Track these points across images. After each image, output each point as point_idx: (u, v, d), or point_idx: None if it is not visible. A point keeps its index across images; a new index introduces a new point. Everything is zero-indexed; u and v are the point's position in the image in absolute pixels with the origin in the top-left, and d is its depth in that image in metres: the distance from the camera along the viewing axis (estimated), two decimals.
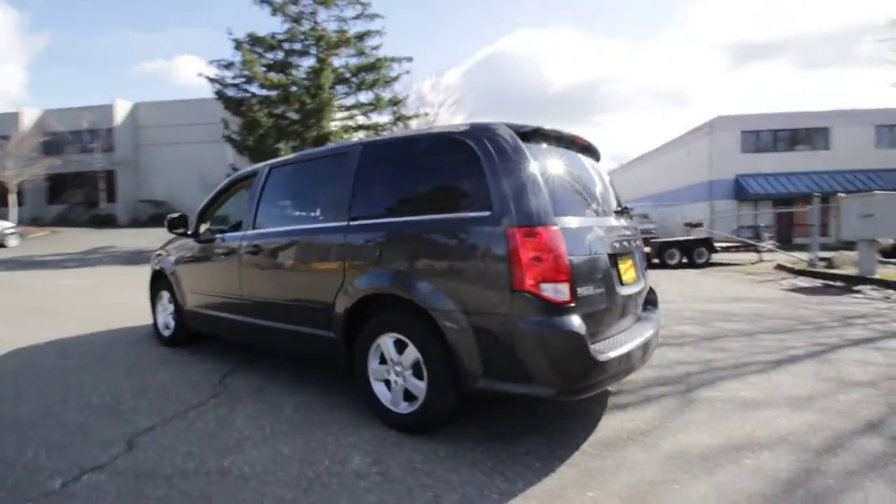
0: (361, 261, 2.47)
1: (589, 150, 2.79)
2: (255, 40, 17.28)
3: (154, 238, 19.75)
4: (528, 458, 2.11)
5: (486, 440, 2.28)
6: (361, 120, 18.79)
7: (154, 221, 26.40)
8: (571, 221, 2.15)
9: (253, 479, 1.96)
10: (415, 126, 19.63)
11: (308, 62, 17.62)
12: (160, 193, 27.71)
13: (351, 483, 1.92)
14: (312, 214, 3.04)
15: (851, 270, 8.49)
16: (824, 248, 10.92)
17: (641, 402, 2.75)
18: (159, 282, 4.30)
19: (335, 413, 2.63)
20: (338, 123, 18.11)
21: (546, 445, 2.22)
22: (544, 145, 2.35)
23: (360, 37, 17.73)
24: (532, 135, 2.28)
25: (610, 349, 2.09)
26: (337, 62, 17.61)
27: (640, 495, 1.83)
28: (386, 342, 2.41)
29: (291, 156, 3.30)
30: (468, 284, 2.10)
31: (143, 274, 11.53)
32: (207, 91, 18.60)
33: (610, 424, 2.46)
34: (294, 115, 17.04)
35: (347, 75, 17.85)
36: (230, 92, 17.54)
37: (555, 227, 2.00)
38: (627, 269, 2.50)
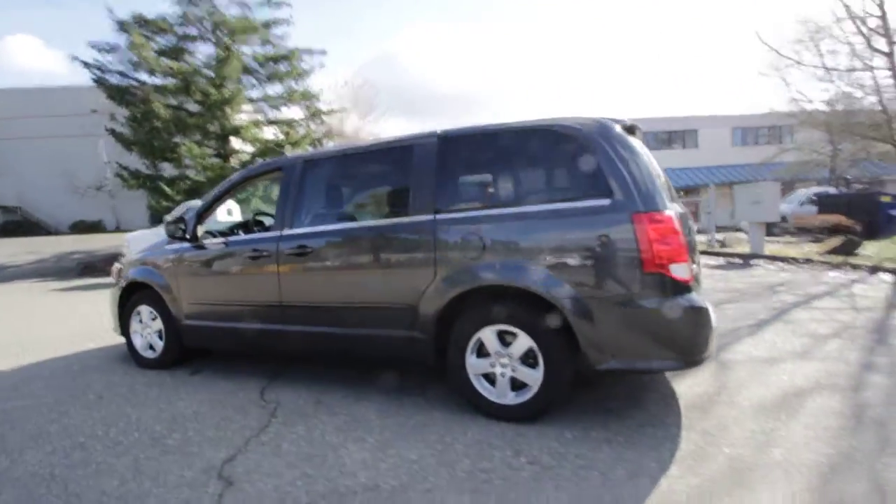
0: (460, 255, 2.41)
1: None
2: (140, 22, 15.26)
3: (13, 251, 16.45)
4: (649, 429, 2.26)
5: (598, 418, 2.38)
6: (272, 115, 17.59)
7: (6, 231, 21.92)
8: (674, 206, 2.34)
9: (410, 489, 1.84)
10: (328, 122, 18.83)
11: (206, 49, 16.05)
12: (13, 197, 23.05)
13: (514, 476, 1.90)
14: (375, 210, 2.87)
15: (743, 249, 10.09)
16: (699, 232, 12.79)
17: (690, 370, 3.06)
18: (134, 296, 3.69)
19: (427, 414, 2.53)
20: (245, 117, 16.75)
21: (652, 416, 2.40)
22: (633, 137, 2.50)
23: (267, 24, 16.57)
24: (628, 127, 2.42)
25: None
26: (244, 51, 16.26)
27: (762, 443, 2.08)
28: (487, 335, 2.39)
29: (329, 149, 3.07)
30: (591, 270, 2.18)
31: (25, 293, 9.76)
32: (65, 77, 15.95)
33: (685, 391, 2.72)
34: (194, 108, 15.37)
35: (254, 66, 16.58)
36: (113, 79, 15.29)
37: (671, 212, 2.17)
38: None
